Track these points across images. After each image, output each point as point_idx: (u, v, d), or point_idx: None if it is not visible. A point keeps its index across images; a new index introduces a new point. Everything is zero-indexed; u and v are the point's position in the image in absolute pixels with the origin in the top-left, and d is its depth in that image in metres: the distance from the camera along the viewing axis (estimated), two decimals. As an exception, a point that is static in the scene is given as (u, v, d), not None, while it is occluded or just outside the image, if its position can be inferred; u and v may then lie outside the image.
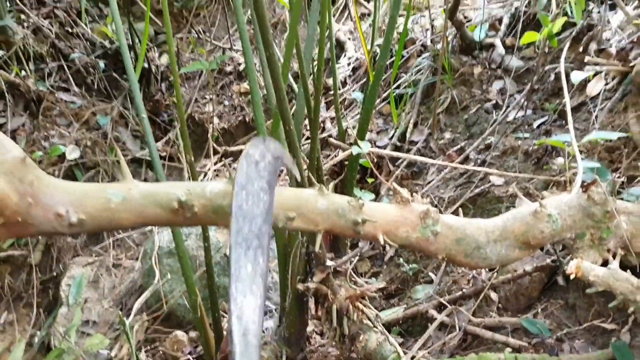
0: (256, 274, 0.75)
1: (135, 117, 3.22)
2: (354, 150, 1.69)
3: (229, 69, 3.43)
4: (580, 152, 1.81)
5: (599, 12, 2.10)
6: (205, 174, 2.99)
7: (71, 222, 0.88)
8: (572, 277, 1.27)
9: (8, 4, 3.22)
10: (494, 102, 2.28)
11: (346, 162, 2.10)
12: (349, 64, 3.10)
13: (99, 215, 0.90)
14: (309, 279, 1.63)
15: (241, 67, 3.43)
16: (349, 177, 1.94)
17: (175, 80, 1.70)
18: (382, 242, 1.22)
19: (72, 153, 2.77)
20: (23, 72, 2.99)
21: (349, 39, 3.44)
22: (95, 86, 3.24)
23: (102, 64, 3.22)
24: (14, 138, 2.94)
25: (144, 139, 3.29)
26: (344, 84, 3.04)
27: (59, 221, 0.87)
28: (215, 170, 3.02)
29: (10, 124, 2.91)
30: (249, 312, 0.71)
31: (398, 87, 2.57)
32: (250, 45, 1.72)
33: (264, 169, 0.92)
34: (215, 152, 3.14)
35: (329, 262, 1.56)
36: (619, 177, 1.60)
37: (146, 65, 3.31)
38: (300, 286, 1.57)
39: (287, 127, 1.32)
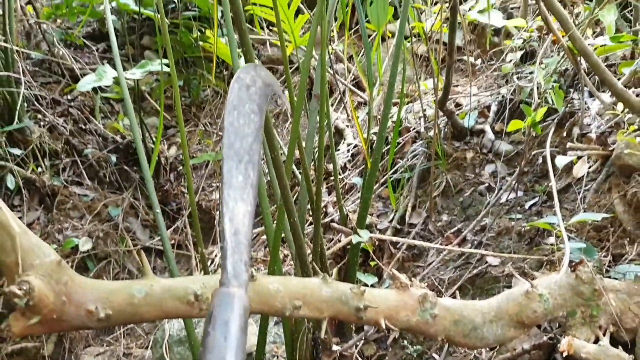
0: (247, 184, 0.78)
1: (145, 207, 3.35)
2: (354, 239, 1.79)
3: (234, 158, 3.59)
4: (570, 231, 1.92)
5: (579, 99, 2.25)
6: (213, 260, 3.08)
7: (100, 317, 0.97)
8: (564, 354, 1.34)
9: (26, 105, 3.43)
10: (487, 184, 2.41)
11: (349, 247, 2.20)
12: (348, 150, 3.25)
13: (124, 310, 1.00)
14: (317, 364, 1.69)
15: (246, 156, 3.58)
16: (351, 261, 2.04)
17: (187, 172, 1.83)
18: (384, 327, 1.30)
19: (85, 245, 2.88)
20: (39, 169, 3.14)
21: (347, 126, 3.62)
22: (107, 179, 3.39)
23: (113, 157, 3.38)
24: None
25: (154, 228, 3.42)
26: (344, 169, 3.18)
27: (89, 317, 0.97)
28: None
29: (26, 219, 3.03)
30: (239, 216, 0.74)
31: (395, 172, 2.71)
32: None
33: (254, 93, 0.94)
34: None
35: (335, 347, 1.63)
36: (605, 256, 1.70)
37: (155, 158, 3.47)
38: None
39: (292, 220, 1.42)
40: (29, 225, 3.05)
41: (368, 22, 2.35)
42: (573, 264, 1.50)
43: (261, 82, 1.00)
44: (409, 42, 2.84)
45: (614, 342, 1.45)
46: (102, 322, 0.98)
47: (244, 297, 0.69)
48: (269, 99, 1.03)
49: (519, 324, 1.45)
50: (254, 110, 0.91)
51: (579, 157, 2.05)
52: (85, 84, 2.58)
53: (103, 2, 3.94)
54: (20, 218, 2.98)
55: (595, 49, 1.92)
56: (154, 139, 3.59)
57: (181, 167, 3.66)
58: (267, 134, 1.45)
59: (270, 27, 3.87)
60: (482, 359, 1.76)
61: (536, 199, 2.20)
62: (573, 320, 1.48)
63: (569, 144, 2.02)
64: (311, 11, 3.43)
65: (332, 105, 3.81)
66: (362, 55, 4.01)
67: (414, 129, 2.82)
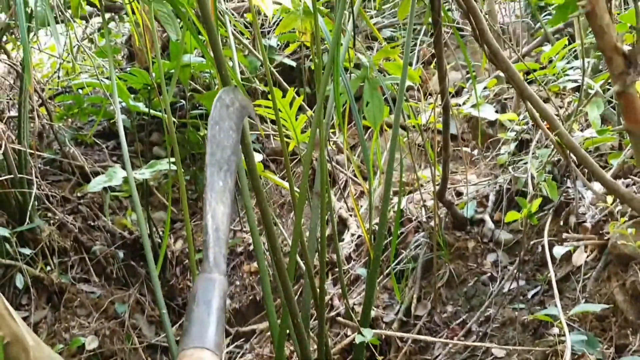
0: (225, 189, 0.90)
1: (151, 302, 3.36)
2: (357, 339, 1.81)
3: (239, 249, 3.64)
4: (573, 321, 1.93)
5: (573, 188, 2.32)
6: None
7: None
8: None
9: (36, 203, 3.52)
10: (489, 274, 2.44)
11: (355, 342, 2.20)
12: (352, 240, 3.29)
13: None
14: None
15: (251, 247, 3.63)
16: (358, 358, 2.04)
17: (192, 266, 1.87)
18: None
19: (91, 344, 2.88)
20: (48, 267, 3.18)
21: (351, 215, 3.68)
22: (114, 275, 3.42)
23: (121, 254, 3.43)
24: (36, 331, 3.06)
25: (160, 324, 3.42)
26: (349, 259, 3.22)
27: None
28: (227, 352, 3.09)
29: (34, 317, 3.05)
30: (219, 215, 0.85)
31: (399, 262, 2.74)
32: (257, 228, 1.92)
33: (233, 112, 1.09)
34: (228, 334, 3.23)
35: None
36: (608, 348, 1.70)
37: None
38: None
39: (295, 321, 1.46)
40: (36, 325, 3.06)
41: (365, 118, 2.46)
42: (576, 356, 1.52)
43: (238, 104, 1.16)
44: (405, 136, 2.96)
45: None
46: None
47: (223, 281, 0.81)
48: (244, 118, 1.20)
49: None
50: (232, 128, 1.05)
51: (577, 247, 2.09)
52: (96, 184, 2.67)
53: (111, 104, 4.14)
54: (27, 317, 3.02)
55: (582, 142, 2.01)
56: (161, 233, 3.66)
57: (187, 261, 3.69)
58: (269, 234, 1.51)
59: (274, 122, 4.02)
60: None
61: (538, 288, 2.22)
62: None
63: (565, 235, 2.07)
64: (311, 108, 3.59)
65: (335, 194, 3.89)
66: (360, 150, 4.14)
67: (416, 218, 2.88)
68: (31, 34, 4.23)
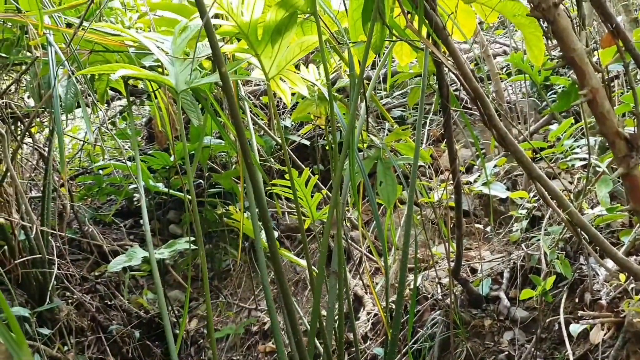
0: None
1: (166, 383, 3.34)
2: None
3: (254, 328, 3.63)
4: (594, 401, 1.91)
5: (586, 265, 2.34)
6: None
7: None
8: None
9: (55, 282, 3.57)
10: (506, 352, 2.42)
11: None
12: (368, 320, 3.29)
13: None
14: None
15: (266, 327, 3.63)
16: None
17: (213, 344, 1.89)
18: None
19: None
20: (65, 347, 3.20)
21: (366, 292, 3.69)
22: (130, 354, 3.42)
23: (137, 333, 3.44)
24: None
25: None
26: (365, 338, 3.20)
27: None
28: None
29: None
30: None
31: (416, 342, 2.73)
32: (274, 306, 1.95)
33: None
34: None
35: None
36: None
37: (177, 331, 3.53)
38: None
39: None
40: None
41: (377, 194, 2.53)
42: None
43: None
44: (418, 213, 3.01)
45: None
46: None
47: None
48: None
49: None
50: None
51: (593, 325, 2.09)
52: (116, 264, 2.73)
53: (130, 183, 4.26)
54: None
55: (593, 219, 2.05)
56: (176, 312, 3.68)
57: (202, 341, 3.69)
58: (290, 314, 1.54)
59: (289, 199, 4.10)
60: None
61: (557, 367, 2.21)
62: None
63: (580, 312, 2.08)
64: (325, 185, 3.68)
65: (350, 271, 3.91)
66: (374, 226, 4.20)
67: (432, 296, 2.89)
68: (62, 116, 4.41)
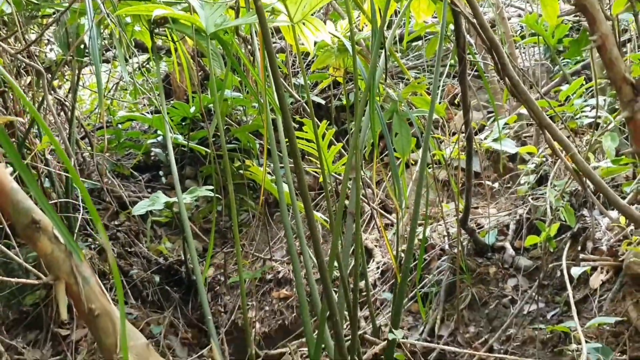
0: None
1: (184, 325, 3.51)
2: (390, 335, 1.95)
3: (269, 277, 3.79)
4: (590, 338, 2.05)
5: (590, 216, 2.46)
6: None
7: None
8: None
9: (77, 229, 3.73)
10: (510, 297, 2.56)
11: (382, 358, 2.33)
12: (377, 268, 3.43)
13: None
14: None
15: (280, 275, 3.79)
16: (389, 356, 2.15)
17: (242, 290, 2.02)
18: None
19: (129, 360, 3.02)
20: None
21: (376, 246, 3.83)
22: (150, 298, 3.59)
23: (157, 278, 3.60)
24: (76, 349, 3.23)
25: (192, 346, 3.56)
26: (374, 286, 3.35)
27: (170, 394, 1.14)
28: (257, 373, 3.21)
29: (74, 335, 3.21)
30: None
31: (423, 287, 2.87)
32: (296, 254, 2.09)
33: None
34: (257, 356, 3.35)
35: None
36: (622, 355, 1.82)
37: (195, 278, 3.69)
38: None
39: (334, 319, 1.61)
40: (77, 342, 3.22)
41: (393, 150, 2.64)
42: (592, 363, 1.64)
43: None
44: (430, 168, 3.12)
45: None
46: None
47: None
48: None
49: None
50: None
51: (593, 269, 2.22)
52: (140, 208, 2.87)
53: (149, 138, 4.38)
54: (68, 335, 3.18)
55: (595, 168, 2.16)
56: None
57: (218, 287, 3.85)
58: (315, 241, 1.67)
59: (303, 156, 4.22)
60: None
61: (557, 310, 2.34)
62: (596, 416, 1.59)
63: (581, 256, 2.20)
64: (338, 142, 3.79)
65: (362, 226, 4.05)
66: (384, 185, 4.32)
67: (439, 246, 3.02)
68: (83, 70, 4.52)
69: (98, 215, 0.95)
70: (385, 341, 2.22)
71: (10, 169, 1.11)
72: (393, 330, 1.89)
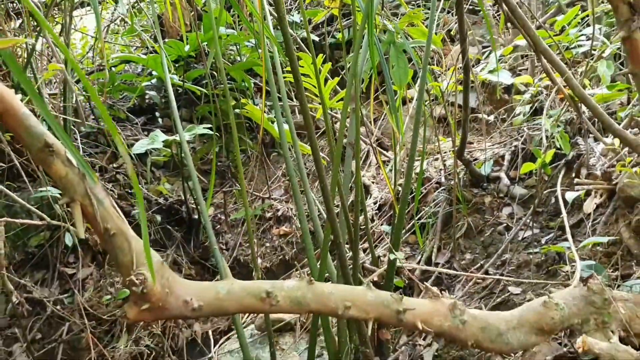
0: None
1: (187, 262, 3.60)
2: (391, 256, 2.02)
3: (268, 215, 3.86)
4: (584, 258, 2.12)
5: (584, 143, 2.50)
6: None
7: (194, 307, 1.21)
8: (580, 350, 1.52)
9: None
10: (505, 225, 2.63)
11: (381, 284, 2.41)
12: (375, 203, 3.50)
13: (212, 303, 1.23)
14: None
15: (279, 213, 3.85)
16: (388, 281, 2.22)
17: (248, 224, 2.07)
18: (420, 329, 1.51)
19: (136, 295, 3.11)
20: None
21: (373, 182, 3.89)
22: (152, 237, 3.65)
23: (158, 217, 3.66)
24: (83, 286, 3.31)
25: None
26: (372, 220, 3.42)
27: (186, 307, 1.20)
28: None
29: (81, 274, 3.29)
30: None
31: (420, 218, 2.94)
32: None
33: None
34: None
35: (376, 361, 1.83)
36: (614, 275, 1.90)
37: (195, 217, 3.75)
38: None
39: (338, 241, 1.67)
40: (84, 280, 3.31)
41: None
42: (584, 278, 1.71)
43: None
44: (427, 102, 3.14)
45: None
46: (196, 312, 1.22)
47: None
48: None
49: (539, 330, 1.64)
50: None
51: (588, 193, 2.28)
52: (140, 147, 2.89)
53: (144, 81, 4.36)
54: (75, 274, 3.26)
55: (592, 95, 2.18)
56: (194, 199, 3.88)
57: (218, 226, 3.92)
58: (320, 173, 1.71)
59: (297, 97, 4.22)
60: (510, 372, 1.93)
61: (551, 234, 2.41)
62: (587, 326, 1.67)
63: (576, 180, 2.26)
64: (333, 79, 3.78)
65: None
66: (383, 120, 4.34)
67: (435, 179, 3.08)
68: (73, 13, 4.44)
69: (119, 136, 0.97)
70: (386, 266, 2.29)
71: (20, 95, 1.13)
72: (393, 250, 1.95)
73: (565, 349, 1.87)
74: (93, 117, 4.28)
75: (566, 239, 2.30)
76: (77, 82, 4.45)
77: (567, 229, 1.97)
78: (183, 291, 1.21)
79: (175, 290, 1.20)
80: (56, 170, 1.14)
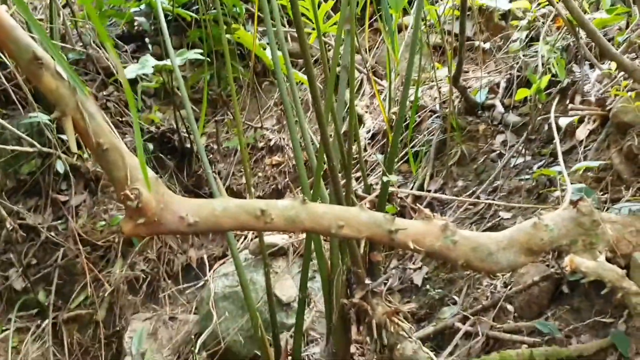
0: None
1: (180, 191, 3.61)
2: (384, 178, 2.03)
3: (260, 145, 3.85)
4: (574, 183, 2.14)
5: (579, 70, 2.48)
6: (246, 236, 3.32)
7: (189, 222, 1.22)
8: (567, 269, 1.56)
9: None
10: (498, 152, 2.64)
11: (374, 209, 2.44)
12: (368, 132, 3.49)
13: (208, 220, 1.24)
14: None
15: (271, 143, 3.85)
16: (381, 203, 2.24)
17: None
18: (412, 248, 1.54)
19: (130, 221, 3.13)
20: (84, 155, 3.40)
21: (366, 112, 3.87)
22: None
23: (150, 146, 3.64)
24: (77, 213, 3.33)
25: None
26: (365, 149, 3.42)
27: (181, 222, 1.21)
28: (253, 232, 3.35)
29: (74, 201, 3.30)
30: None
31: (414, 146, 2.94)
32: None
33: None
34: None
35: (367, 281, 1.87)
36: (604, 199, 1.92)
37: (188, 145, 3.74)
38: (344, 301, 1.87)
39: (331, 164, 1.67)
40: (77, 207, 3.32)
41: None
42: (574, 201, 1.73)
43: None
44: (423, 29, 3.08)
45: (612, 266, 1.67)
46: (192, 227, 1.23)
47: None
48: None
49: (528, 251, 1.67)
50: None
51: (581, 120, 2.28)
52: (130, 72, 2.84)
53: (132, 7, 4.23)
54: (67, 201, 3.27)
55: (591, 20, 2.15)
56: (186, 128, 3.86)
57: (211, 156, 3.91)
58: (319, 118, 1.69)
59: (290, 22, 4.12)
60: (497, 293, 1.99)
61: (543, 161, 2.43)
62: (575, 247, 1.70)
63: (570, 106, 2.25)
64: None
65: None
66: (377, 48, 4.27)
67: (430, 107, 3.06)
68: None
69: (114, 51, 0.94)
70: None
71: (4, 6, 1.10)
72: (387, 173, 1.96)
73: (552, 270, 1.92)
74: (81, 43, 4.18)
75: (558, 166, 2.32)
76: (64, 6, 4.32)
77: (559, 153, 1.98)
78: (179, 207, 1.22)
79: (170, 206, 1.21)
80: (46, 83, 1.12)
